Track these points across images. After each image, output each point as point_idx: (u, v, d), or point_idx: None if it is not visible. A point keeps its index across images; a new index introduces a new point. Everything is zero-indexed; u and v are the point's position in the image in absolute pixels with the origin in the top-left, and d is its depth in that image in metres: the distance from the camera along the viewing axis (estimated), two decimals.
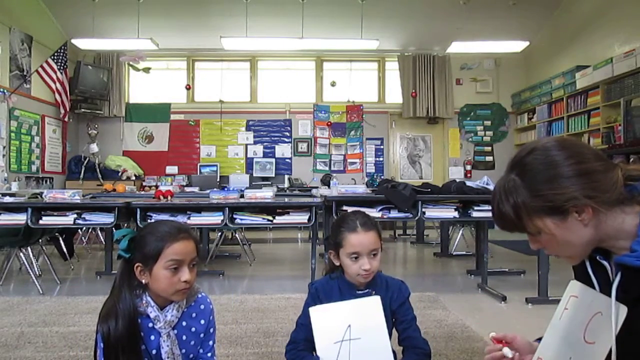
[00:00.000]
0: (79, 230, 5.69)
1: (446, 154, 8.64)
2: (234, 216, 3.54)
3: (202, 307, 1.48)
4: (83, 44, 7.28)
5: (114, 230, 3.25)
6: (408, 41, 8.26)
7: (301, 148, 8.50)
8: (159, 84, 8.52)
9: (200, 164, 8.28)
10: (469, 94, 8.57)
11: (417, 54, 8.36)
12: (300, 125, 8.52)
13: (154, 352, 1.38)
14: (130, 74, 8.48)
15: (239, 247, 5.35)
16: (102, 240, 5.59)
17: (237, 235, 5.33)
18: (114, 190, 5.21)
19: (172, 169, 8.33)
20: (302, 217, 3.55)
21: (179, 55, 8.50)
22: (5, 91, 6.28)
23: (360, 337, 1.47)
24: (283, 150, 8.48)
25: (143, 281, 1.38)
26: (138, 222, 3.44)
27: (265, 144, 8.49)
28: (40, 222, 3.45)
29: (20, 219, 3.40)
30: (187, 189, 5.92)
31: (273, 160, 8.33)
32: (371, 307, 1.51)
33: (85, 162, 7.68)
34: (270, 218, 3.54)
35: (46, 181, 7.24)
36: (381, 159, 8.58)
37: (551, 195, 0.94)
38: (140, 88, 8.62)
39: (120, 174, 7.67)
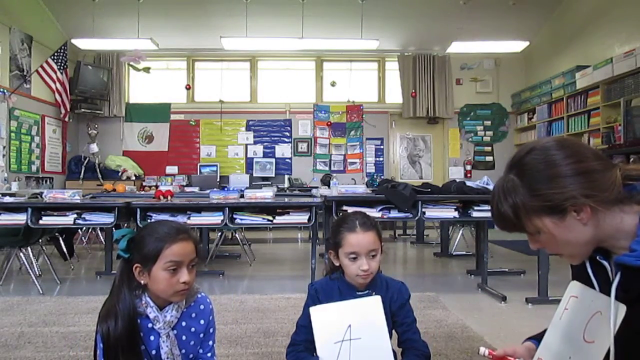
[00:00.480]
0: (79, 230, 5.69)
1: (446, 154, 8.64)
2: (234, 216, 3.54)
3: (201, 307, 1.48)
4: (83, 44, 7.29)
5: (114, 230, 3.25)
6: (408, 41, 8.26)
7: (301, 148, 8.50)
8: (159, 84, 8.52)
9: (200, 164, 8.28)
10: (469, 94, 8.57)
11: (417, 54, 8.36)
12: (300, 125, 8.52)
13: (153, 352, 1.38)
14: (130, 74, 8.48)
15: (239, 247, 5.35)
16: (102, 240, 5.59)
17: (237, 235, 5.33)
18: (114, 190, 5.21)
19: (172, 169, 8.33)
20: (302, 217, 3.55)
21: (179, 55, 8.50)
22: (5, 91, 6.28)
23: (361, 337, 1.47)
24: (283, 150, 8.49)
25: (142, 282, 1.37)
26: (138, 222, 3.44)
27: (265, 144, 8.49)
28: (40, 222, 3.45)
29: (20, 219, 3.40)
30: (187, 189, 5.92)
31: (273, 160, 8.33)
32: (372, 307, 1.51)
33: (85, 162, 7.68)
34: (270, 218, 3.54)
35: (46, 181, 7.24)
36: (381, 159, 8.58)
37: (550, 194, 0.94)
38: (140, 88, 8.62)
39: (120, 174, 7.67)
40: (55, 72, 7.03)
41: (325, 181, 7.66)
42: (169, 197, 3.82)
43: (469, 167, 8.57)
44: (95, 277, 4.29)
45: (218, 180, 7.75)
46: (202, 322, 1.46)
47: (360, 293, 1.61)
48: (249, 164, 8.38)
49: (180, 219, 3.45)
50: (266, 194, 3.78)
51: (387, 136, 8.59)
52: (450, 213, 3.54)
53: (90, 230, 5.93)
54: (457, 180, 3.81)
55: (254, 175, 8.16)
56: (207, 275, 4.33)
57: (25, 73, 6.77)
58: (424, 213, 3.50)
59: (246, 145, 8.46)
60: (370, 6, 7.02)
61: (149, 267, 1.35)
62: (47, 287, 3.73)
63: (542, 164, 0.96)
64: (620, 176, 0.96)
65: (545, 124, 7.47)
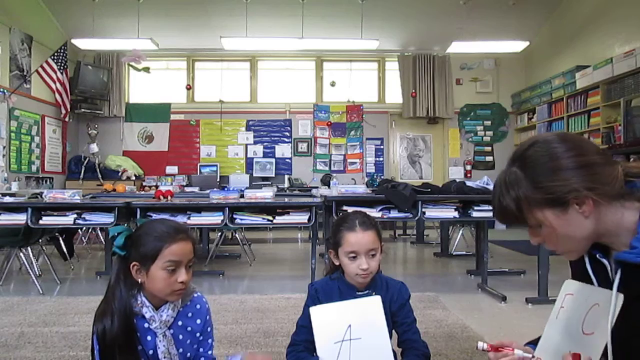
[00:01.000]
0: (79, 230, 5.69)
1: (446, 154, 8.64)
2: (234, 216, 3.54)
3: (198, 306, 1.48)
4: (83, 44, 7.29)
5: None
6: (408, 41, 8.26)
7: (301, 148, 8.50)
8: (159, 84, 8.52)
9: (200, 164, 8.28)
10: (469, 94, 8.57)
11: (417, 54, 8.36)
12: (300, 125, 8.52)
13: (150, 352, 1.38)
14: (130, 74, 8.48)
15: (239, 247, 5.34)
16: (102, 240, 5.59)
17: (237, 235, 5.33)
18: (114, 190, 5.21)
19: (172, 169, 8.33)
20: (302, 217, 3.55)
21: (179, 55, 8.50)
22: (5, 91, 6.28)
23: (361, 337, 1.47)
24: (283, 150, 8.49)
25: (139, 280, 1.37)
26: (138, 222, 3.44)
27: (265, 144, 8.49)
28: (40, 222, 3.45)
29: (20, 219, 3.40)
30: (187, 189, 5.92)
31: (273, 160, 8.33)
32: (372, 307, 1.51)
33: (85, 162, 7.68)
34: (270, 218, 3.54)
35: (46, 181, 7.24)
36: (381, 159, 8.58)
37: (552, 187, 0.94)
38: (140, 88, 8.62)
39: (120, 174, 7.67)
40: (55, 72, 7.03)
41: (325, 181, 7.66)
42: (169, 197, 3.82)
43: (469, 167, 8.57)
44: (95, 277, 4.29)
45: (218, 180, 7.75)
46: (198, 321, 1.47)
47: (360, 293, 1.61)
48: (249, 164, 8.38)
49: (180, 219, 3.45)
50: (266, 194, 3.78)
51: (387, 136, 8.59)
52: (450, 213, 3.54)
53: (90, 230, 5.93)
54: (457, 180, 3.81)
55: (254, 175, 8.16)
56: (207, 275, 4.33)
57: (25, 73, 6.77)
58: (424, 213, 3.50)
59: (246, 145, 8.46)
60: (370, 6, 7.02)
61: (147, 266, 1.35)
62: (47, 287, 3.73)
63: (544, 156, 0.97)
64: (621, 172, 0.96)
65: (545, 124, 7.47)
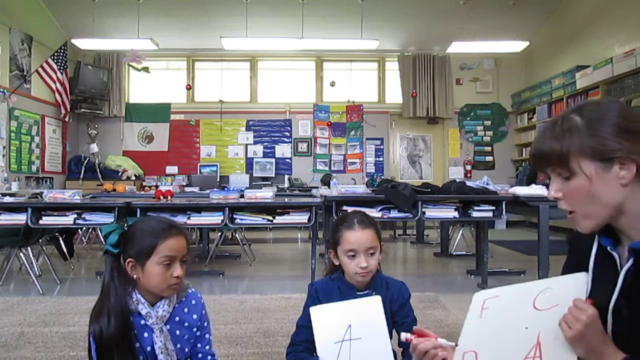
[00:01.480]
0: (79, 230, 5.69)
1: (446, 154, 8.64)
2: (234, 216, 3.54)
3: (193, 302, 1.50)
4: (83, 44, 7.29)
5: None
6: (408, 41, 8.26)
7: (301, 148, 8.50)
8: (159, 84, 8.52)
9: (200, 164, 8.28)
10: (469, 94, 8.57)
11: (417, 54, 8.36)
12: (300, 125, 8.52)
13: (148, 349, 1.39)
14: (130, 74, 8.48)
15: (239, 247, 5.34)
16: (102, 240, 5.58)
17: (237, 235, 5.33)
18: (114, 190, 5.21)
19: (172, 169, 8.33)
20: (302, 217, 3.56)
21: (179, 55, 8.51)
22: (5, 91, 6.28)
23: (361, 337, 1.47)
24: (283, 150, 8.49)
25: (134, 277, 1.39)
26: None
27: (265, 144, 8.49)
28: (40, 222, 3.45)
29: (20, 219, 3.40)
30: (187, 189, 5.92)
31: (273, 160, 8.33)
32: (372, 307, 1.51)
33: (85, 162, 7.68)
34: (270, 218, 3.54)
35: (46, 181, 7.24)
36: (381, 159, 8.58)
37: (606, 139, 0.96)
38: (140, 88, 8.62)
39: (120, 174, 7.67)
40: (55, 72, 7.03)
41: (325, 181, 7.66)
42: (169, 197, 3.82)
43: (469, 167, 8.57)
44: (95, 277, 4.28)
45: (218, 180, 7.75)
46: (194, 316, 1.48)
47: (360, 293, 1.61)
48: (249, 164, 8.38)
49: (180, 219, 3.46)
50: (266, 194, 3.78)
51: (387, 136, 8.59)
52: (450, 213, 3.55)
53: (90, 230, 5.92)
54: (457, 180, 3.81)
55: (254, 175, 8.16)
56: (207, 275, 4.33)
57: (25, 73, 6.77)
58: (424, 213, 3.50)
59: (246, 145, 8.46)
60: (370, 6, 7.02)
61: (142, 262, 1.37)
62: (47, 287, 3.73)
63: (606, 111, 0.99)
64: None
65: (545, 124, 7.47)
